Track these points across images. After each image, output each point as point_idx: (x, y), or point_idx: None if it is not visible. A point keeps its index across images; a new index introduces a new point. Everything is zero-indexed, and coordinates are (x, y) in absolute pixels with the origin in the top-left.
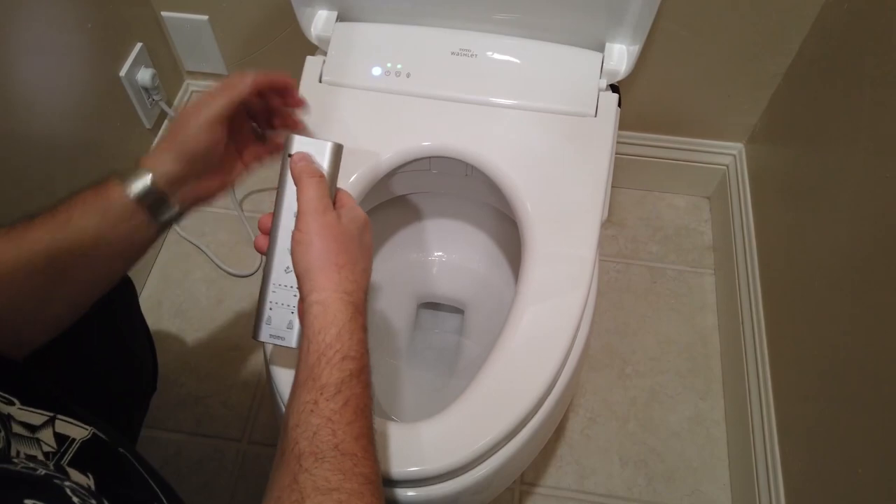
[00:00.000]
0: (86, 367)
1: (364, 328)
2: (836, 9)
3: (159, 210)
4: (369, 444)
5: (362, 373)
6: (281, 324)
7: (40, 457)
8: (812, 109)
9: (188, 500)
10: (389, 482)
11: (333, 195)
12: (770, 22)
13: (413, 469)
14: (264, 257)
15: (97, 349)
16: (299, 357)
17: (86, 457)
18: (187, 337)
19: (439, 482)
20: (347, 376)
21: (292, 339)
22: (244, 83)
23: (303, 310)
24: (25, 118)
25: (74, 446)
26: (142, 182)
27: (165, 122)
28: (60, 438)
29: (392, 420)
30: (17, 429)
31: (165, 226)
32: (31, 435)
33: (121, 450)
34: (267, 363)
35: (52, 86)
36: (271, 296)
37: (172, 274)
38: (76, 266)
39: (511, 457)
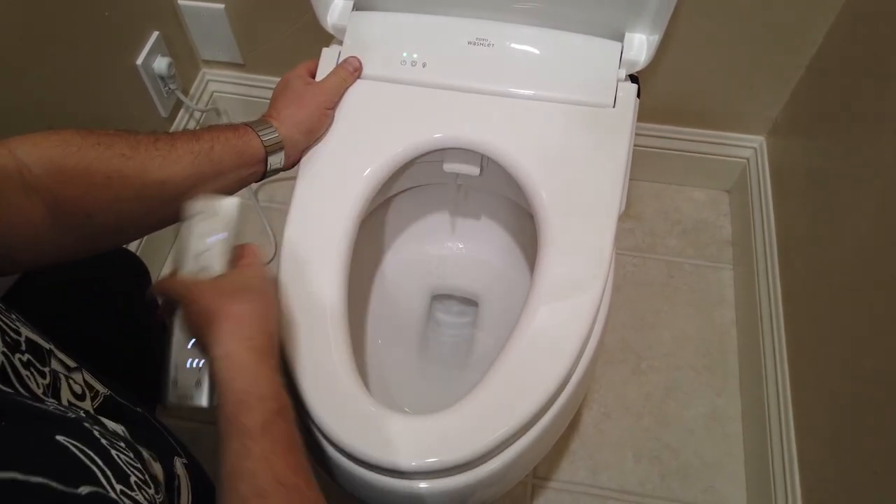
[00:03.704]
0: (100, 353)
1: (277, 369)
2: None
3: (273, 163)
4: (310, 476)
5: (283, 411)
6: (188, 383)
7: (71, 397)
8: (835, 102)
9: None
10: (402, 474)
11: (231, 251)
12: (793, 11)
13: (426, 461)
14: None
15: (109, 337)
16: (219, 413)
17: (110, 410)
18: None
19: (452, 474)
20: (270, 416)
21: (202, 398)
22: (354, 77)
23: (213, 369)
24: (40, 106)
25: (100, 397)
26: (274, 139)
27: (182, 110)
28: (88, 386)
29: (405, 412)
30: (55, 365)
31: (268, 176)
32: (68, 374)
33: (139, 409)
34: (281, 353)
35: (69, 74)
36: (176, 358)
37: None
38: (201, 188)
39: (524, 450)
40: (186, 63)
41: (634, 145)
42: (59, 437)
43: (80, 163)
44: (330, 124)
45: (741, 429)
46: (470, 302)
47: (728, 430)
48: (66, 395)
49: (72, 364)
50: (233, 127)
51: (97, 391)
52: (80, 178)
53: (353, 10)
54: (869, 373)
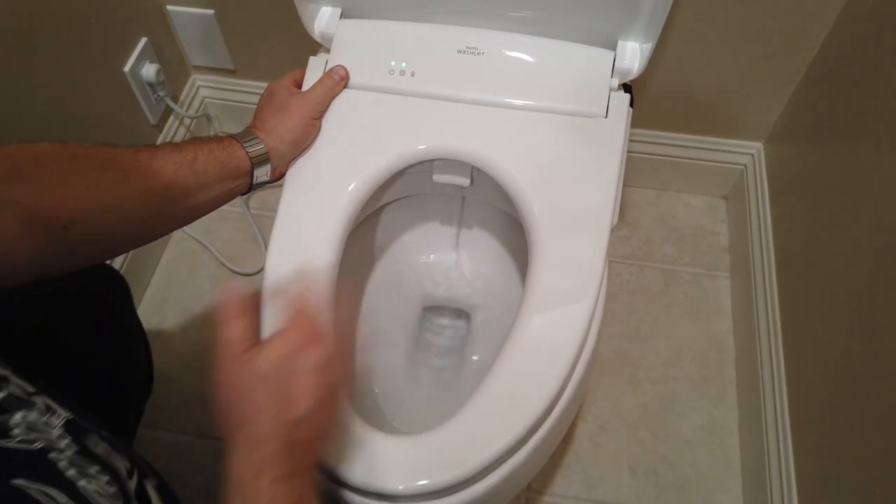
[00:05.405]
0: (76, 370)
1: (283, 478)
2: (860, 4)
3: (259, 175)
4: None
5: None
6: None
7: (35, 416)
8: (834, 108)
9: (190, 502)
10: (390, 497)
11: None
12: (792, 16)
13: (416, 483)
14: None
15: (88, 352)
16: None
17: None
18: (192, 336)
19: (444, 496)
20: None
21: None
22: (341, 86)
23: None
24: (25, 116)
25: (62, 419)
26: (259, 150)
27: (172, 117)
28: (49, 408)
29: (394, 428)
30: (14, 389)
31: (254, 189)
32: (27, 398)
33: (103, 433)
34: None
35: (54, 82)
36: None
37: (177, 272)
38: (184, 200)
39: (517, 468)
40: (176, 69)
41: (630, 151)
42: (18, 481)
43: (55, 174)
44: (316, 135)
45: (738, 441)
46: (462, 314)
47: (725, 443)
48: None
49: (30, 389)
50: (217, 138)
51: (58, 412)
52: (55, 189)
53: (340, 17)
54: (868, 384)
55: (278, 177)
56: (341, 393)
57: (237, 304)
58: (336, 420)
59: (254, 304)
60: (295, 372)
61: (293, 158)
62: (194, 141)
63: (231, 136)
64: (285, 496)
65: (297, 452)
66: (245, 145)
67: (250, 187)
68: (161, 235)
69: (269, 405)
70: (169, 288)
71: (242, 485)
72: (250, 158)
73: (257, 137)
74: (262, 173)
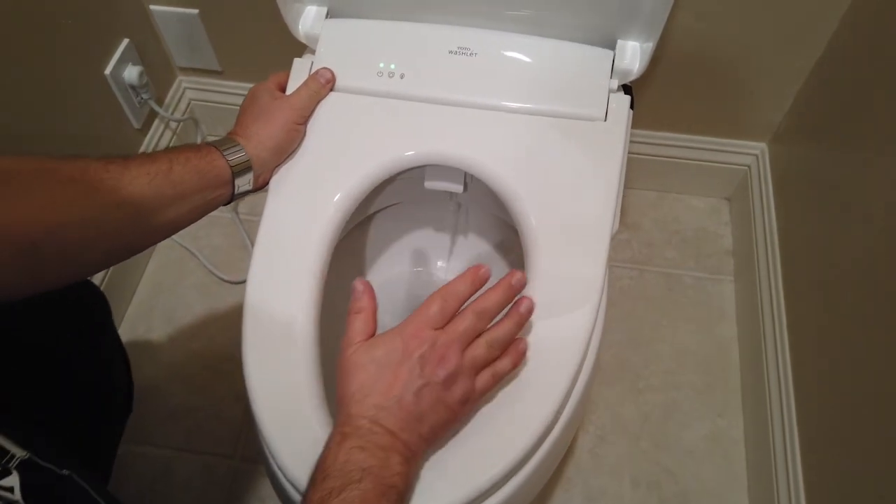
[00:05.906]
0: (53, 389)
1: (356, 448)
2: (867, 2)
3: (241, 185)
4: None
5: (344, 490)
6: None
7: None
8: (840, 107)
9: None
10: None
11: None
12: (797, 13)
13: None
14: None
15: (65, 370)
16: None
17: (24, 478)
18: (179, 346)
19: None
20: (326, 495)
21: None
22: (327, 89)
23: None
24: (3, 122)
25: (14, 461)
26: (240, 158)
27: (157, 121)
28: (2, 451)
29: None
30: None
31: (236, 199)
32: None
33: (65, 471)
34: (247, 386)
35: (31, 87)
36: None
37: (164, 280)
38: (161, 213)
39: (518, 489)
40: (161, 71)
41: (632, 153)
42: None
43: (19, 189)
44: (301, 141)
45: (744, 451)
46: None
47: (730, 453)
48: None
49: None
50: (195, 147)
51: (12, 455)
52: (19, 205)
53: (326, 17)
54: (880, 391)
55: (262, 185)
56: (454, 406)
57: (368, 298)
58: (437, 426)
59: (375, 300)
60: (397, 364)
61: (277, 166)
62: (170, 150)
63: (210, 144)
64: (359, 461)
65: (379, 435)
66: (225, 153)
67: (232, 197)
68: (140, 250)
69: (364, 389)
70: (155, 296)
71: (328, 447)
72: (230, 167)
73: (238, 144)
74: (243, 182)
